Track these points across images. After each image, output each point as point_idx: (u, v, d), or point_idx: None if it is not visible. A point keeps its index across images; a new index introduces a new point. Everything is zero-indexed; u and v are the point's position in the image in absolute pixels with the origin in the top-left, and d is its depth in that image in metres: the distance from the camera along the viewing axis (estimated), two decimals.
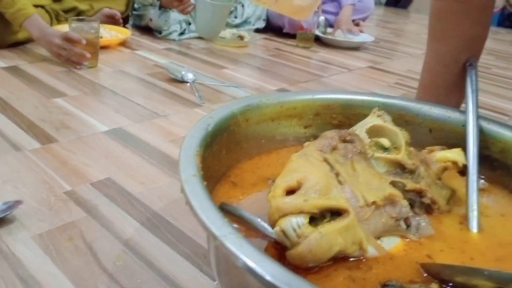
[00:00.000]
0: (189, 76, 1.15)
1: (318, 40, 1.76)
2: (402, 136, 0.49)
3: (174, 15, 1.56)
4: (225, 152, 0.50)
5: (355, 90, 1.22)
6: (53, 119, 0.85)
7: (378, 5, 3.70)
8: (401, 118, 0.59)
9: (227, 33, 1.66)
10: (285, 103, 0.58)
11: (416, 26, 2.70)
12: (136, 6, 1.65)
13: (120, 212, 0.58)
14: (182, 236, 0.55)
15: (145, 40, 1.54)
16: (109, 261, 0.49)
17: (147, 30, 1.63)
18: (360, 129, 0.49)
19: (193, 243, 0.53)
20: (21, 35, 1.32)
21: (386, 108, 0.58)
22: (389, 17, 2.98)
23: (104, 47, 1.32)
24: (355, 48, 1.75)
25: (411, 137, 0.51)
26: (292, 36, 1.79)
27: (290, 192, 0.37)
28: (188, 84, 1.12)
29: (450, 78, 0.63)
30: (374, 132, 0.49)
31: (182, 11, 1.50)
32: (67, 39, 1.15)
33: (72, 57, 1.16)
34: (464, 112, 0.55)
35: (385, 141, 0.47)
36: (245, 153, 0.54)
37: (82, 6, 1.57)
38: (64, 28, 1.27)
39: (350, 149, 0.43)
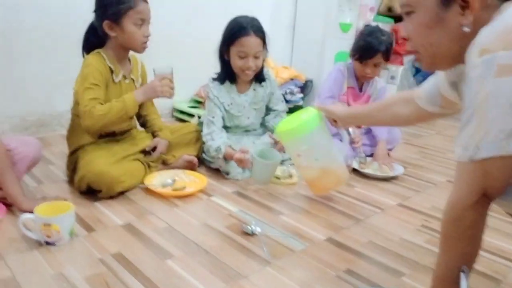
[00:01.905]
0: (258, 230, 1.51)
1: (355, 170, 2.13)
2: None
3: None
4: None
5: (388, 237, 1.53)
6: (172, 285, 1.21)
7: None
8: None
9: (278, 170, 2.04)
10: None
11: (440, 139, 3.03)
12: (205, 150, 2.09)
13: None
14: None
15: (216, 183, 1.95)
16: None
17: (216, 170, 2.05)
18: None
19: None
20: (122, 186, 1.73)
21: None
22: (415, 127, 3.31)
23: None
24: (386, 179, 2.10)
25: None
26: None
27: None
28: (257, 235, 1.48)
29: (451, 279, 0.95)
30: None
31: (243, 167, 1.93)
32: (161, 78, 1.75)
33: (168, 89, 1.76)
34: None
35: None
36: None
37: (166, 156, 2.03)
38: (154, 177, 1.73)
39: None
